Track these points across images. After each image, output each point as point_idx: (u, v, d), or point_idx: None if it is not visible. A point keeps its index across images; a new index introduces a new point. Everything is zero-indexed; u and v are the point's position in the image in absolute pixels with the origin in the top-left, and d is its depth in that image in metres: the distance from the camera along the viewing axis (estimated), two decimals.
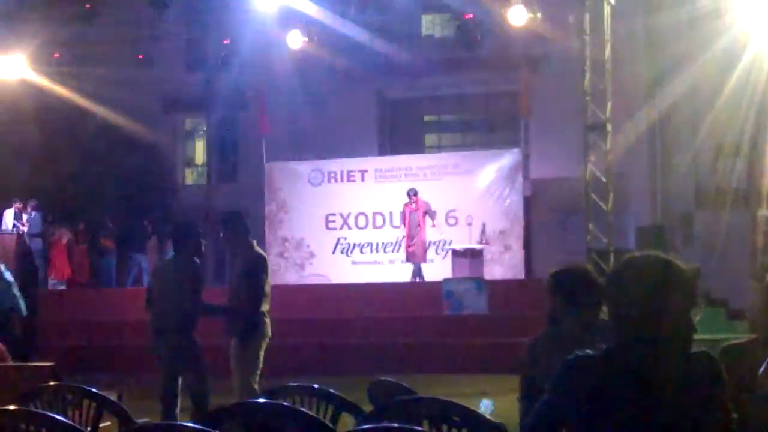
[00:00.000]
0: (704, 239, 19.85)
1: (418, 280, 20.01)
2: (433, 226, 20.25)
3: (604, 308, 3.54)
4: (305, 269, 22.27)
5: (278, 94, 23.87)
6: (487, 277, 18.84)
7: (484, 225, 20.17)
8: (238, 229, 9.39)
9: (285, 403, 5.28)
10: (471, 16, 18.74)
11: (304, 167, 22.65)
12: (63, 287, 22.24)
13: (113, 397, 6.24)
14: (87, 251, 23.12)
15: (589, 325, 4.55)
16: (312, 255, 22.29)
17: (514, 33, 19.88)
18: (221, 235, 9.60)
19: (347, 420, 5.49)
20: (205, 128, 29.37)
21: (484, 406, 5.95)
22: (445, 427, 4.77)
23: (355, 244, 22.01)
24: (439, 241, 20.86)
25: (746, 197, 19.20)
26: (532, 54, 22.40)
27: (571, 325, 4.66)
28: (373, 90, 26.39)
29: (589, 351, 3.24)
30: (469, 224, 20.15)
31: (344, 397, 5.55)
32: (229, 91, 25.67)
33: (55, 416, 5.21)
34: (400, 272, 20.54)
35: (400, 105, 27.66)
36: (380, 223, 21.84)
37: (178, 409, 9.14)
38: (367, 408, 5.30)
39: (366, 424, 4.62)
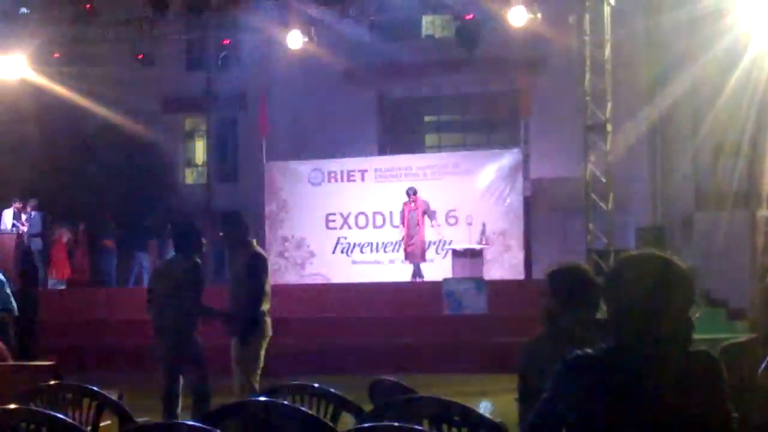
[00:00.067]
0: (704, 239, 19.84)
1: (418, 280, 20.02)
2: (433, 226, 20.25)
3: (602, 307, 3.54)
4: (305, 269, 22.28)
5: (278, 94, 23.89)
6: (486, 277, 18.84)
7: (484, 225, 20.17)
8: (238, 228, 9.40)
9: (285, 402, 5.28)
10: (471, 16, 18.70)
11: (305, 167, 22.66)
12: (63, 287, 22.23)
13: (113, 396, 6.24)
14: (87, 251, 23.11)
15: (588, 325, 4.55)
16: (312, 254, 22.31)
17: (515, 33, 19.87)
18: (221, 234, 9.61)
19: (347, 419, 5.49)
20: (205, 128, 29.37)
21: (484, 407, 5.94)
22: (445, 427, 4.77)
23: (355, 244, 22.02)
24: (439, 241, 20.87)
25: (746, 197, 19.20)
26: (532, 54, 22.42)
27: (570, 325, 4.65)
28: (374, 90, 26.41)
29: (588, 350, 3.24)
30: (469, 224, 20.15)
31: (344, 396, 5.55)
32: (229, 91, 25.69)
33: (56, 415, 5.21)
34: (400, 272, 20.56)
35: (400, 105, 27.66)
36: (380, 222, 21.86)
37: (179, 409, 9.15)
38: (367, 407, 5.31)
39: (366, 424, 4.63)
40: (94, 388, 5.95)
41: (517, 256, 21.00)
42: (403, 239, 20.26)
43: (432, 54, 24.88)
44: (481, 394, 12.55)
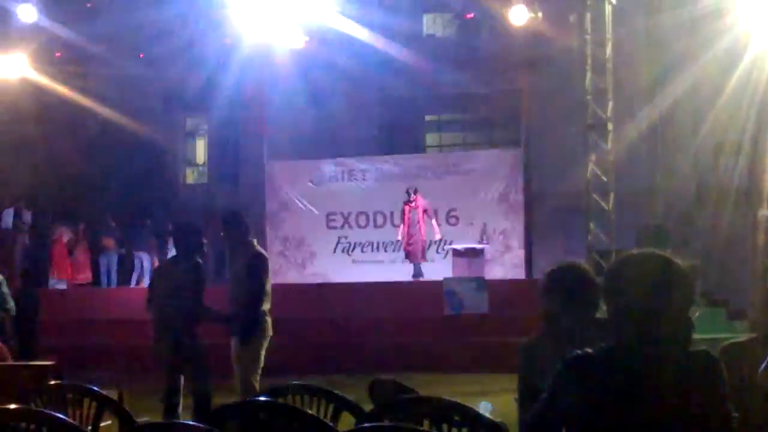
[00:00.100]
0: (705, 238, 19.83)
1: (420, 279, 20.00)
2: (436, 225, 20.22)
3: (602, 307, 3.54)
4: (306, 268, 22.30)
5: (279, 94, 23.86)
6: (487, 276, 18.84)
7: (484, 224, 20.19)
8: (238, 228, 9.41)
9: (286, 402, 5.28)
10: (472, 15, 18.75)
11: (305, 166, 22.67)
12: (64, 287, 22.23)
13: (114, 396, 6.25)
14: (88, 251, 23.10)
15: (588, 324, 4.54)
16: (313, 254, 22.32)
17: (515, 32, 19.87)
18: (222, 234, 9.61)
19: (348, 419, 5.49)
20: (206, 127, 29.35)
21: (483, 407, 5.94)
22: (445, 427, 4.77)
23: (355, 244, 22.03)
24: (440, 241, 20.87)
25: (747, 196, 19.18)
26: (533, 54, 22.39)
27: (569, 325, 4.64)
28: (374, 89, 26.37)
29: (588, 350, 3.24)
30: (470, 224, 20.15)
31: (345, 396, 5.55)
32: (230, 91, 25.67)
33: (56, 415, 5.21)
34: (400, 271, 20.55)
35: (401, 104, 27.61)
36: (381, 222, 21.87)
37: (180, 409, 9.15)
38: (368, 407, 5.31)
39: (366, 423, 4.63)
40: (95, 388, 5.95)
41: (518, 255, 21.01)
42: (402, 239, 20.24)
43: (433, 53, 24.85)
44: (482, 393, 12.55)
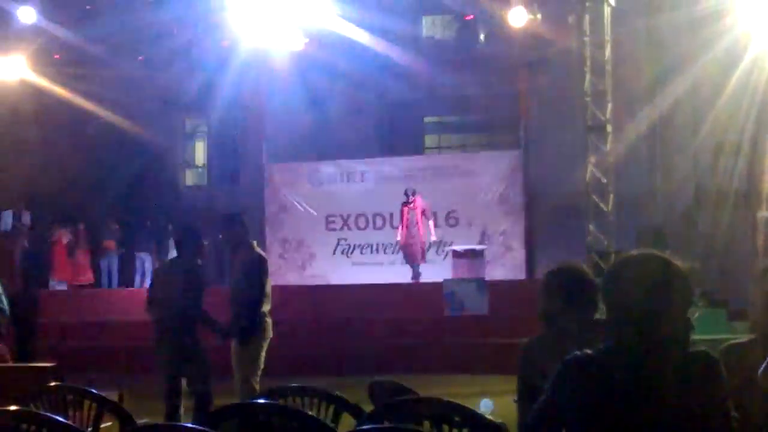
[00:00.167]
0: (705, 240, 19.84)
1: (419, 281, 20.00)
2: (432, 226, 20.22)
3: (602, 307, 3.53)
4: (305, 270, 22.29)
5: (279, 95, 23.87)
6: (487, 277, 18.83)
7: (484, 226, 20.19)
8: (238, 230, 9.41)
9: (285, 404, 5.28)
10: (471, 17, 18.75)
11: (305, 168, 22.67)
12: (64, 288, 22.23)
13: (114, 398, 6.24)
14: (88, 252, 23.10)
15: (587, 325, 4.54)
16: (312, 256, 22.31)
17: (515, 34, 19.89)
18: (221, 236, 9.62)
19: (348, 420, 5.49)
20: (205, 129, 29.35)
21: (484, 406, 5.95)
22: (446, 428, 4.77)
23: (355, 245, 22.03)
24: (440, 242, 20.86)
25: (747, 197, 19.20)
26: (532, 55, 22.39)
27: (568, 325, 4.64)
28: (373, 91, 26.37)
29: (587, 351, 3.24)
30: (470, 225, 20.14)
31: (345, 397, 5.55)
32: (229, 92, 25.66)
33: (56, 417, 5.21)
34: (400, 273, 20.54)
35: (400, 106, 27.61)
36: (380, 224, 21.86)
37: (181, 410, 9.15)
38: (368, 408, 5.31)
39: (366, 425, 4.63)
40: (95, 390, 5.95)
41: (518, 256, 21.01)
42: (401, 240, 20.22)
43: (432, 55, 24.86)
44: (482, 394, 12.55)
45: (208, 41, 23.06)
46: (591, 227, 18.05)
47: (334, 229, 22.23)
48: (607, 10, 18.02)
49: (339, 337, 17.75)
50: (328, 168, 22.46)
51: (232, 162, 28.96)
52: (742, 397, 3.82)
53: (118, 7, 21.49)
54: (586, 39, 18.20)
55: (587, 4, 18.17)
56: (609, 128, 18.05)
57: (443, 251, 20.67)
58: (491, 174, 21.25)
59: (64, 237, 22.28)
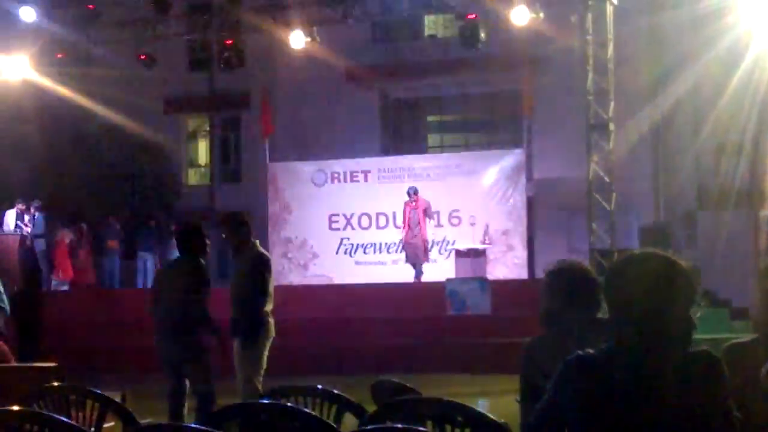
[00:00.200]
0: (707, 239, 19.84)
1: (422, 280, 19.99)
2: (431, 225, 20.23)
3: (604, 306, 3.53)
4: (308, 269, 22.29)
5: (281, 95, 23.91)
6: (490, 277, 18.84)
7: (487, 225, 20.17)
8: (240, 229, 9.40)
9: (288, 404, 5.28)
10: (474, 16, 18.71)
11: (308, 167, 22.65)
12: (66, 288, 22.25)
13: (117, 398, 6.24)
14: (91, 252, 23.11)
15: (589, 324, 4.53)
16: (315, 255, 22.30)
17: (517, 33, 19.88)
18: (223, 235, 9.61)
19: (350, 420, 5.49)
20: (208, 128, 29.40)
21: (481, 407, 5.95)
22: (448, 427, 4.76)
23: (358, 245, 22.01)
24: (442, 241, 20.86)
25: (748, 196, 19.21)
26: (534, 54, 22.42)
27: (571, 325, 4.63)
28: (376, 90, 26.42)
29: (589, 350, 3.24)
30: (472, 224, 20.14)
31: (347, 397, 5.55)
32: (232, 92, 25.72)
33: (59, 417, 5.21)
34: (403, 272, 20.54)
35: (403, 105, 27.69)
36: (383, 223, 21.85)
37: (185, 410, 9.14)
38: (371, 408, 5.30)
39: (369, 425, 4.63)
40: (97, 390, 5.95)
41: (521, 255, 20.99)
42: (403, 239, 20.21)
43: (434, 54, 24.90)
44: (484, 394, 12.58)
45: (210, 40, 23.08)
46: (593, 226, 18.05)
47: (337, 229, 22.22)
48: (609, 9, 18.01)
49: (341, 336, 17.75)
50: (330, 167, 22.44)
51: (234, 161, 29.02)
52: (744, 397, 3.82)
53: (120, 5, 21.50)
54: (589, 38, 18.19)
55: (590, 2, 18.16)
56: (611, 127, 18.04)
57: (446, 251, 20.67)
58: (494, 173, 21.23)
59: (66, 237, 22.28)
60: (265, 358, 9.18)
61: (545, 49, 22.38)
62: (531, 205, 21.91)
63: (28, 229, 21.97)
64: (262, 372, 9.17)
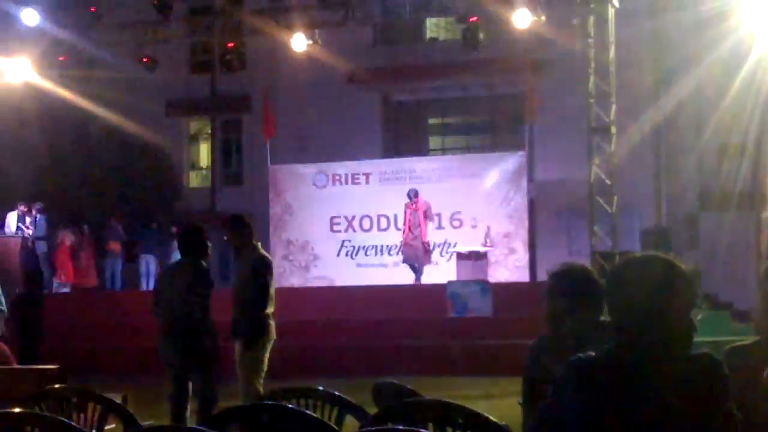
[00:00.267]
0: (709, 241, 19.84)
1: (421, 282, 19.98)
2: (438, 228, 20.23)
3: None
4: (310, 272, 22.28)
5: (283, 97, 23.91)
6: (491, 279, 18.83)
7: (488, 228, 20.18)
8: (241, 231, 9.41)
9: (289, 405, 5.28)
10: (475, 19, 18.72)
11: (309, 170, 22.65)
12: (67, 290, 22.25)
13: (118, 400, 6.24)
14: (93, 254, 23.11)
15: (593, 326, 4.52)
16: (316, 257, 22.30)
17: (519, 36, 19.89)
18: (225, 238, 9.61)
19: (352, 422, 5.49)
20: (209, 131, 29.42)
21: None
22: (449, 430, 4.76)
23: (359, 247, 22.00)
24: (443, 243, 20.86)
25: (751, 199, 19.20)
26: (536, 57, 22.42)
27: (574, 327, 4.63)
28: (378, 93, 26.44)
29: (590, 352, 3.23)
30: (474, 227, 20.14)
31: (348, 399, 5.55)
32: (233, 94, 25.74)
33: (60, 419, 5.21)
34: (404, 274, 20.53)
35: (404, 108, 27.70)
36: (384, 225, 21.84)
37: (187, 412, 9.14)
38: (372, 410, 5.30)
39: (370, 427, 4.62)
40: (99, 392, 5.94)
41: (522, 258, 20.98)
42: (402, 240, 20.19)
43: (436, 56, 24.91)
44: (485, 396, 12.56)
45: (212, 43, 23.10)
46: (595, 228, 18.05)
47: (338, 231, 22.22)
48: (611, 12, 18.01)
49: (342, 338, 17.76)
50: (332, 170, 22.44)
51: (236, 164, 29.04)
52: (745, 400, 3.81)
53: (121, 8, 21.53)
54: (590, 40, 18.20)
55: (591, 5, 18.17)
56: (613, 129, 18.04)
57: (447, 253, 20.66)
58: (495, 175, 21.22)
59: (67, 239, 22.28)
60: (266, 360, 9.18)
61: (547, 52, 22.40)
62: (532, 207, 21.90)
63: (30, 231, 21.96)
64: (263, 374, 9.16)
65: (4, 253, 20.30)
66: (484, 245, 19.69)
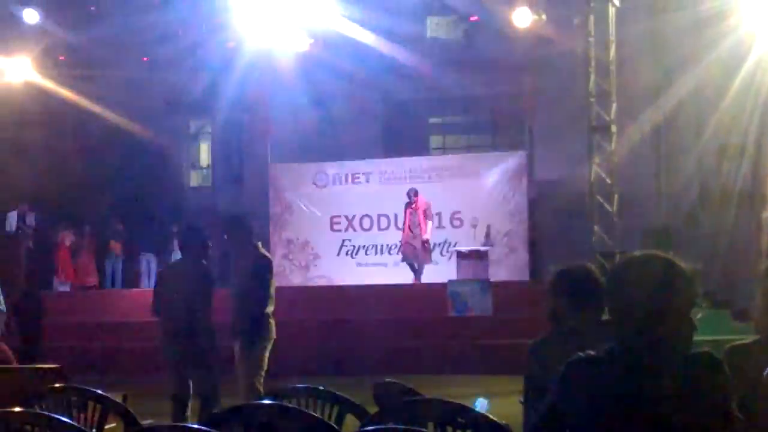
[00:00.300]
0: (709, 240, 19.82)
1: (421, 281, 19.98)
2: (438, 227, 20.22)
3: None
4: (310, 271, 22.29)
5: (283, 96, 23.87)
6: (491, 278, 18.83)
7: (488, 227, 20.19)
8: (241, 231, 9.41)
9: (290, 405, 5.28)
10: (476, 18, 18.74)
11: (309, 169, 22.66)
12: (67, 289, 22.25)
13: (118, 399, 6.25)
14: (93, 254, 23.11)
15: (594, 326, 4.53)
16: (317, 257, 22.31)
17: (519, 35, 19.88)
18: (225, 237, 9.62)
19: (352, 421, 5.49)
20: (209, 130, 29.37)
21: (480, 405, 5.94)
22: (450, 429, 4.77)
23: (359, 246, 22.01)
24: (444, 243, 20.86)
25: (751, 199, 19.17)
26: (536, 56, 22.39)
27: (575, 326, 4.63)
28: (378, 92, 26.37)
29: (590, 352, 3.24)
30: (474, 226, 20.14)
31: (349, 398, 5.55)
32: (233, 93, 25.67)
33: (60, 418, 5.21)
34: (404, 274, 20.54)
35: (404, 107, 27.62)
36: (385, 225, 21.84)
37: (188, 411, 9.15)
38: (372, 409, 5.30)
39: (371, 426, 4.63)
40: (99, 391, 5.95)
41: (522, 257, 20.99)
42: (402, 239, 20.19)
43: (437, 55, 24.86)
44: (486, 395, 12.56)
45: (212, 42, 23.08)
46: (595, 228, 18.05)
47: (338, 230, 22.23)
48: (611, 11, 18.01)
49: (343, 337, 17.76)
50: (332, 169, 22.45)
51: (236, 163, 28.98)
52: (745, 399, 3.82)
53: (122, 8, 21.52)
54: (591, 39, 18.20)
55: (592, 4, 18.17)
56: (613, 128, 18.04)
57: (447, 252, 20.66)
58: (496, 175, 21.24)
59: (67, 239, 22.28)
60: (266, 360, 9.19)
61: (547, 51, 22.33)
62: (533, 206, 21.88)
63: (30, 231, 21.96)
64: (264, 373, 9.17)
65: (5, 253, 20.31)
66: (485, 244, 19.70)
